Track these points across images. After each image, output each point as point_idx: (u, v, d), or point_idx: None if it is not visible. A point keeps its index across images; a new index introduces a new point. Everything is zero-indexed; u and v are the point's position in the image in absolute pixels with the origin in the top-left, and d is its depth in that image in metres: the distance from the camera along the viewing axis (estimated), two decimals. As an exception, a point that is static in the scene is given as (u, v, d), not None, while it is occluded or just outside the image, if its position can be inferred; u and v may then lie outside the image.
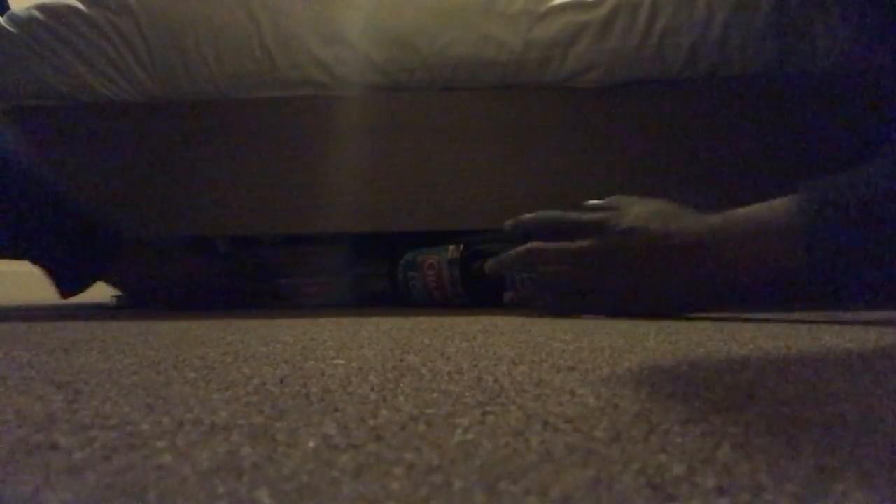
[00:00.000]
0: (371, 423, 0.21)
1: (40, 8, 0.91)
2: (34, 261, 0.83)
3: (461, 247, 0.89)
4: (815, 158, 0.82)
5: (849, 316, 0.60)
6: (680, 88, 0.87)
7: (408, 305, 0.95)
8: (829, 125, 0.82)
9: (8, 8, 0.99)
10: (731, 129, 0.86)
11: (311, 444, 0.18)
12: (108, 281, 0.88)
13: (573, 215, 0.64)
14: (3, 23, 0.91)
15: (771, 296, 0.59)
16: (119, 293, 1.13)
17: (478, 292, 0.90)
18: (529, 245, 0.65)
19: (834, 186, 0.50)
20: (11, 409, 0.23)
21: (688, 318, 0.59)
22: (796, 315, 0.61)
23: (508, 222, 0.67)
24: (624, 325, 0.53)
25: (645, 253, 0.59)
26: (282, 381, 0.28)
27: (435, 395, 0.25)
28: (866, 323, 0.52)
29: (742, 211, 0.56)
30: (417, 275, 0.92)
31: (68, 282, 0.82)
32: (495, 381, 0.27)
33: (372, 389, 0.26)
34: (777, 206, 0.54)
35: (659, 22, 0.84)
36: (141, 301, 0.94)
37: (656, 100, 0.88)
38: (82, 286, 0.83)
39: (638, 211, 0.62)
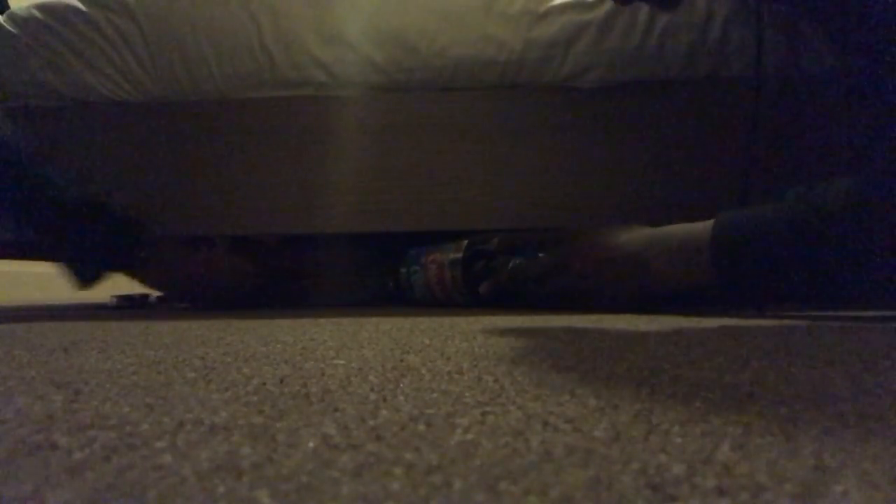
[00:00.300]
0: (371, 423, 0.21)
1: (39, 7, 0.91)
2: (48, 253, 0.84)
3: (464, 245, 0.89)
4: (813, 159, 0.82)
5: (849, 316, 0.60)
6: (680, 88, 0.87)
7: (409, 304, 0.95)
8: (824, 127, 0.83)
9: (8, 7, 0.99)
10: (731, 129, 0.86)
11: (311, 444, 0.18)
12: (133, 276, 0.88)
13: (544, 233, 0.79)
14: (2, 22, 0.91)
15: (688, 301, 0.71)
16: (120, 293, 1.13)
17: (478, 292, 0.90)
18: (511, 267, 0.80)
19: (738, 218, 0.60)
20: (11, 409, 0.23)
21: (688, 318, 0.59)
22: (796, 315, 0.61)
23: (495, 239, 0.82)
24: (624, 325, 0.53)
25: (590, 262, 0.71)
26: (282, 381, 0.28)
27: (435, 395, 0.25)
28: (866, 323, 0.52)
29: (671, 228, 0.67)
30: (420, 270, 0.93)
31: (83, 273, 0.82)
32: (495, 381, 0.27)
33: (372, 389, 0.26)
34: (697, 228, 0.63)
35: (659, 22, 0.84)
36: (175, 298, 0.94)
37: (656, 100, 0.88)
38: (97, 278, 0.84)
39: (592, 230, 0.75)
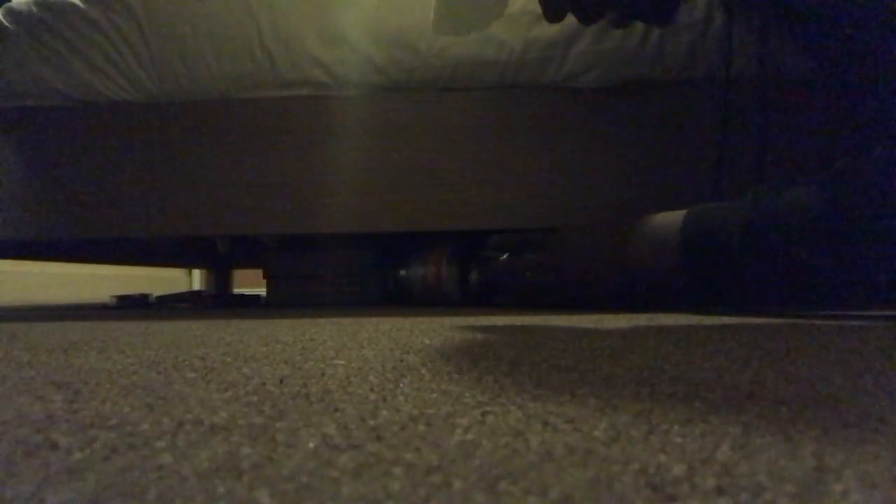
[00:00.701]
0: (371, 423, 0.21)
1: (38, 4, 0.91)
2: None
3: (460, 248, 0.90)
4: (812, 158, 0.82)
5: (849, 316, 0.60)
6: (680, 88, 0.87)
7: (408, 303, 0.95)
8: (817, 126, 0.83)
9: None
10: (731, 129, 0.86)
11: (311, 444, 0.18)
12: None
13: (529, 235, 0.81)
14: (0, 18, 0.91)
15: (660, 296, 0.72)
16: (120, 293, 1.13)
17: (473, 292, 0.91)
18: (503, 260, 0.82)
19: (705, 212, 0.62)
20: (11, 409, 0.23)
21: (687, 318, 0.59)
22: (796, 315, 0.61)
23: (493, 238, 0.83)
24: (623, 324, 0.53)
25: (573, 256, 0.73)
26: (282, 381, 0.28)
27: (435, 395, 0.25)
28: (866, 323, 0.52)
29: (650, 216, 0.67)
30: (418, 270, 0.94)
31: None
32: (495, 381, 0.27)
33: (372, 389, 0.26)
34: (671, 216, 0.65)
35: (659, 22, 0.84)
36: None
37: (656, 100, 0.88)
38: None
39: (576, 226, 0.77)
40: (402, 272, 0.99)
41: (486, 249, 0.84)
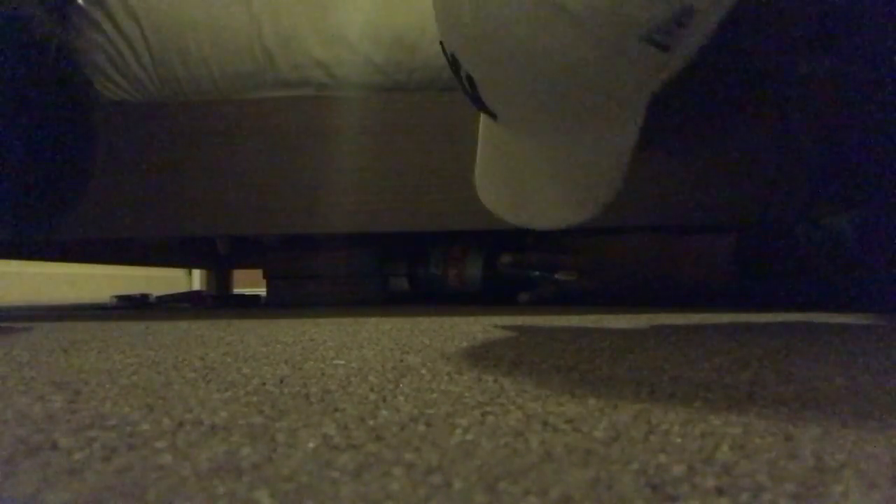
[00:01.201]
0: (371, 423, 0.21)
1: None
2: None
3: (483, 246, 0.91)
4: (813, 158, 0.82)
5: (849, 316, 0.60)
6: (680, 88, 0.87)
7: (426, 298, 0.96)
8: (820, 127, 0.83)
9: None
10: (732, 129, 0.86)
11: (311, 445, 0.18)
12: None
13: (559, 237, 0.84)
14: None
15: (710, 294, 0.75)
16: (120, 293, 1.13)
17: (496, 289, 0.92)
18: (531, 260, 0.84)
19: (760, 238, 0.69)
20: (11, 409, 0.23)
21: (687, 318, 0.59)
22: (796, 315, 0.61)
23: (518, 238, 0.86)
24: (624, 324, 0.53)
25: (622, 252, 0.77)
26: (282, 381, 0.28)
27: (435, 395, 0.25)
28: (866, 323, 0.52)
29: (700, 234, 0.73)
30: (439, 269, 0.94)
31: None
32: (495, 381, 0.27)
33: (372, 389, 0.26)
34: (724, 239, 0.70)
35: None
36: None
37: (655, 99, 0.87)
38: None
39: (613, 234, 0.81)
40: (421, 271, 0.99)
41: (511, 249, 0.84)
